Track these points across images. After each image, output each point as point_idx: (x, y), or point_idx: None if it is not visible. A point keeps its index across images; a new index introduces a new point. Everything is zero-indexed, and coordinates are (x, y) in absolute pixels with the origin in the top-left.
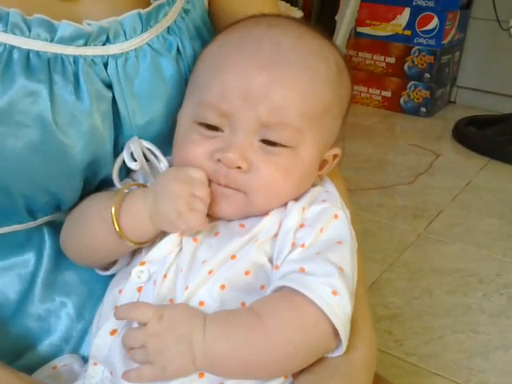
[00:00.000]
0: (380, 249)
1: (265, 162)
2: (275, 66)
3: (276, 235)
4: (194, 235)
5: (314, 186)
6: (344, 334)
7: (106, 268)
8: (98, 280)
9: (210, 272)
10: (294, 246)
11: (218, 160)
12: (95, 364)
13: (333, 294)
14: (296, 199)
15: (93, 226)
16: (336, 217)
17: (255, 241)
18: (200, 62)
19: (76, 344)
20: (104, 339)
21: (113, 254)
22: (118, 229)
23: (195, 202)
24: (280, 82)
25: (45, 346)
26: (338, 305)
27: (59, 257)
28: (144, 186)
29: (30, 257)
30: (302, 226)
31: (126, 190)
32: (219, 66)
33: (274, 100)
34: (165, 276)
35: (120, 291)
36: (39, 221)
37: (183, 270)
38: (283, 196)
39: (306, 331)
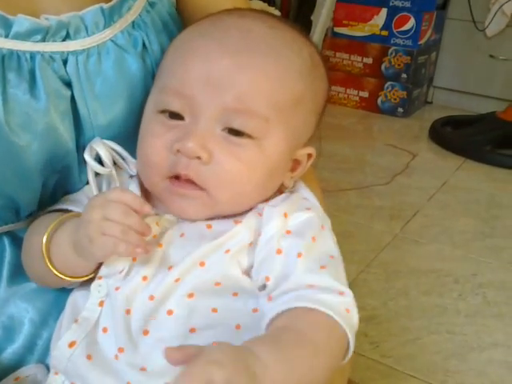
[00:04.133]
0: (357, 249)
1: (226, 154)
2: (241, 52)
3: (251, 244)
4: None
5: (286, 188)
6: (352, 348)
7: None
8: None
9: (177, 280)
10: (279, 253)
11: (178, 151)
12: (56, 373)
13: (346, 312)
14: (267, 201)
15: (36, 259)
16: (323, 227)
17: (226, 251)
18: (166, 51)
19: (42, 353)
20: (62, 351)
21: (61, 284)
22: (49, 264)
23: (106, 226)
24: (246, 67)
25: (8, 354)
26: (352, 323)
27: (21, 265)
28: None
29: None
30: (287, 232)
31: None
32: (182, 51)
33: (239, 85)
34: (117, 288)
35: (82, 304)
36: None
37: (147, 278)
38: (248, 194)
39: (339, 345)
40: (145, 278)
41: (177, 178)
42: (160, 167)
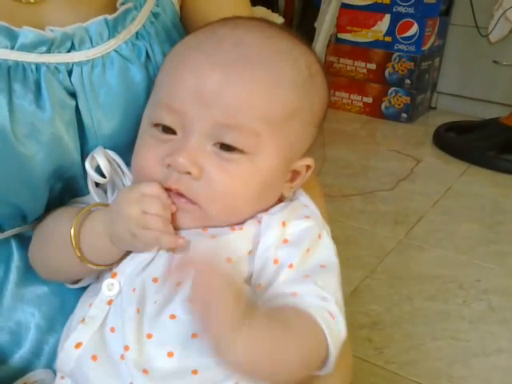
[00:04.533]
0: (361, 255)
1: (218, 170)
2: (232, 64)
3: (250, 252)
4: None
5: (285, 198)
6: (333, 357)
7: (75, 281)
8: (69, 291)
9: (179, 284)
10: (276, 263)
11: (169, 165)
12: (62, 378)
13: (331, 318)
14: (266, 211)
15: (56, 248)
16: (320, 237)
17: (228, 260)
18: (162, 64)
19: (49, 358)
20: (69, 353)
21: (80, 274)
22: (77, 253)
23: (147, 220)
24: (236, 81)
25: (15, 359)
26: (335, 329)
27: (28, 269)
28: (106, 205)
29: None
30: (285, 241)
31: (94, 209)
32: (175, 64)
33: (229, 100)
34: (134, 289)
35: (90, 305)
36: (6, 233)
37: (158, 281)
38: (241, 208)
39: (319, 344)
40: (155, 281)
41: (169, 190)
42: (152, 180)
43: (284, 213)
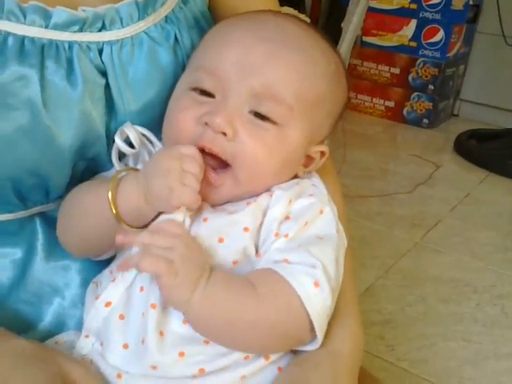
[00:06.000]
0: (376, 255)
1: (250, 135)
2: (275, 43)
3: (261, 224)
4: (188, 213)
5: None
6: (319, 326)
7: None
8: (92, 270)
9: None
10: (277, 236)
11: (206, 124)
12: (87, 336)
13: (314, 286)
14: (281, 186)
15: (91, 214)
16: (321, 212)
17: (245, 229)
18: (202, 40)
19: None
20: (99, 311)
21: (113, 241)
22: (115, 214)
23: (186, 177)
24: (278, 58)
25: (37, 331)
26: (318, 297)
27: (53, 246)
28: (137, 169)
29: (22, 246)
30: (287, 218)
31: (123, 173)
32: (219, 37)
33: (270, 73)
34: None
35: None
36: (30, 210)
37: None
38: (265, 177)
39: (291, 311)
40: None
41: (202, 151)
42: (185, 137)
43: (293, 190)
